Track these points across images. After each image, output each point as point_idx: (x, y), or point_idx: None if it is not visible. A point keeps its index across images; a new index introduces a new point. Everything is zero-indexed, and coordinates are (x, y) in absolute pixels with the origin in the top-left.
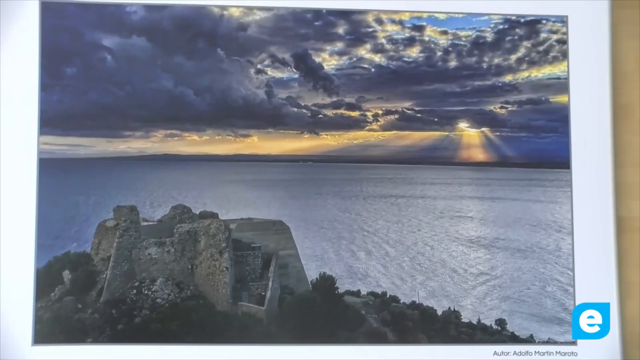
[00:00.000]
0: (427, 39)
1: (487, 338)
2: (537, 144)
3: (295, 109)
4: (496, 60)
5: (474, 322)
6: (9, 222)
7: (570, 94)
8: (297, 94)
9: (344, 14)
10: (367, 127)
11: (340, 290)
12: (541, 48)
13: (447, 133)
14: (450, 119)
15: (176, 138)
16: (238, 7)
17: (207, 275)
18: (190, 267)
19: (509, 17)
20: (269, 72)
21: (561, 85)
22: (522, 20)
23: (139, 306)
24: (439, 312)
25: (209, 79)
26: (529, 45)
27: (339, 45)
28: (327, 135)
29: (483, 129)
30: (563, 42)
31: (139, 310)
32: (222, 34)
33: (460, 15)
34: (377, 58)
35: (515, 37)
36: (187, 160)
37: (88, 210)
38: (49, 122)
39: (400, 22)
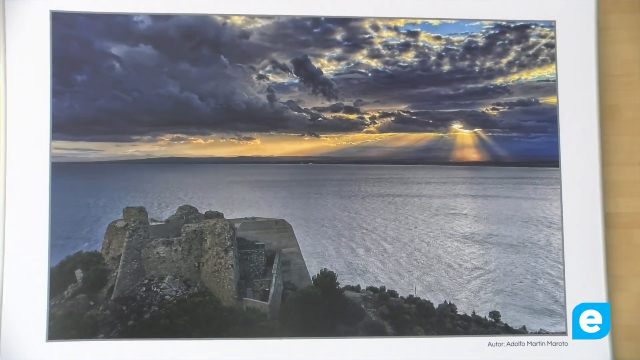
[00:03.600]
0: (421, 44)
1: (481, 330)
2: (528, 144)
3: (296, 113)
4: (488, 64)
5: (469, 314)
6: (23, 224)
7: (559, 96)
8: (297, 98)
9: (342, 21)
10: (364, 129)
11: (341, 286)
12: (530, 52)
13: (441, 134)
14: (444, 120)
15: (182, 142)
16: (240, 15)
17: (213, 272)
18: (196, 265)
19: (499, 22)
20: (271, 78)
21: (550, 87)
22: (512, 25)
23: (148, 303)
24: (435, 306)
25: (213, 84)
26: (519, 49)
27: (337, 51)
28: (326, 137)
29: (476, 129)
30: (551, 46)
31: (148, 307)
32: (225, 42)
33: (453, 21)
34: (374, 63)
35: (506, 42)
36: (192, 162)
37: (98, 211)
38: (60, 127)
39: (396, 29)
